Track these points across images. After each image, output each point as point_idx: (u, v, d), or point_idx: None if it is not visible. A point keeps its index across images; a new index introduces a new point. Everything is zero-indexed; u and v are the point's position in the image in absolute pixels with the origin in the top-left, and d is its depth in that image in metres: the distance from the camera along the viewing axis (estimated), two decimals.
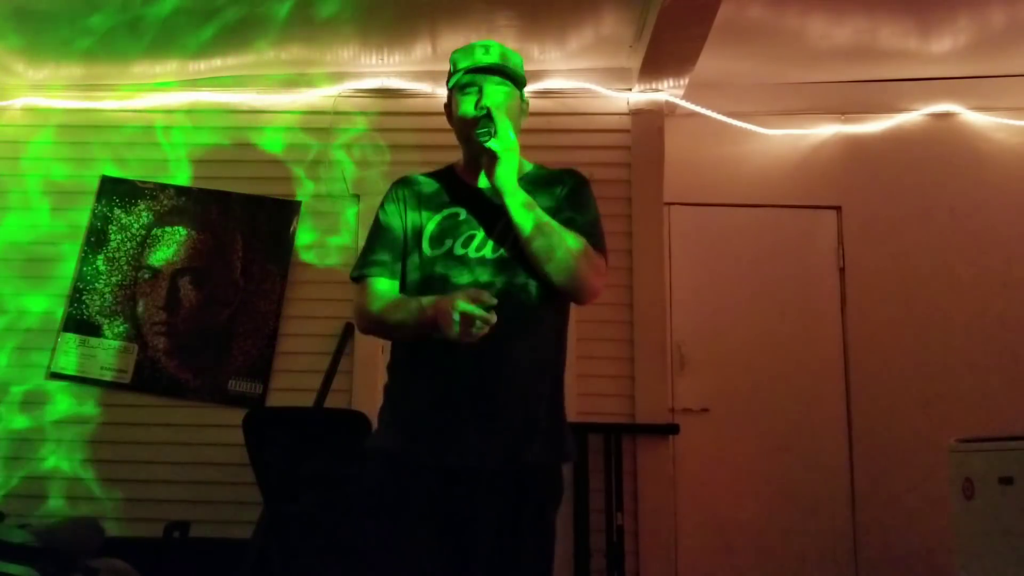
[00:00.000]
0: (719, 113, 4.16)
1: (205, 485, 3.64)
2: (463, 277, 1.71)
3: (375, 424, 1.84)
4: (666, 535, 3.63)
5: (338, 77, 4.00)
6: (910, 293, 4.12)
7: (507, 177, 1.70)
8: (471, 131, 1.75)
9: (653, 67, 3.64)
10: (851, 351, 4.09)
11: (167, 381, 3.76)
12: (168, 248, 3.87)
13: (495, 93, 1.78)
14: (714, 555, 3.92)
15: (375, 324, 1.77)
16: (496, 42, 1.83)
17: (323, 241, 3.88)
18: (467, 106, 1.78)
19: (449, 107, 1.87)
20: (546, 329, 1.76)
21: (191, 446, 3.68)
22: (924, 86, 4.17)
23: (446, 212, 1.79)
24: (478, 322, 1.53)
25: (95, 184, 3.94)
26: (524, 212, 1.69)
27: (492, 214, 1.75)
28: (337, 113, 3.98)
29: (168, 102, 4.04)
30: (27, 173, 4.00)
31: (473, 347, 1.57)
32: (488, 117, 1.72)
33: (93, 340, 3.79)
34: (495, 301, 1.54)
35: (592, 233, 1.77)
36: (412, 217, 1.80)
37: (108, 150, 3.99)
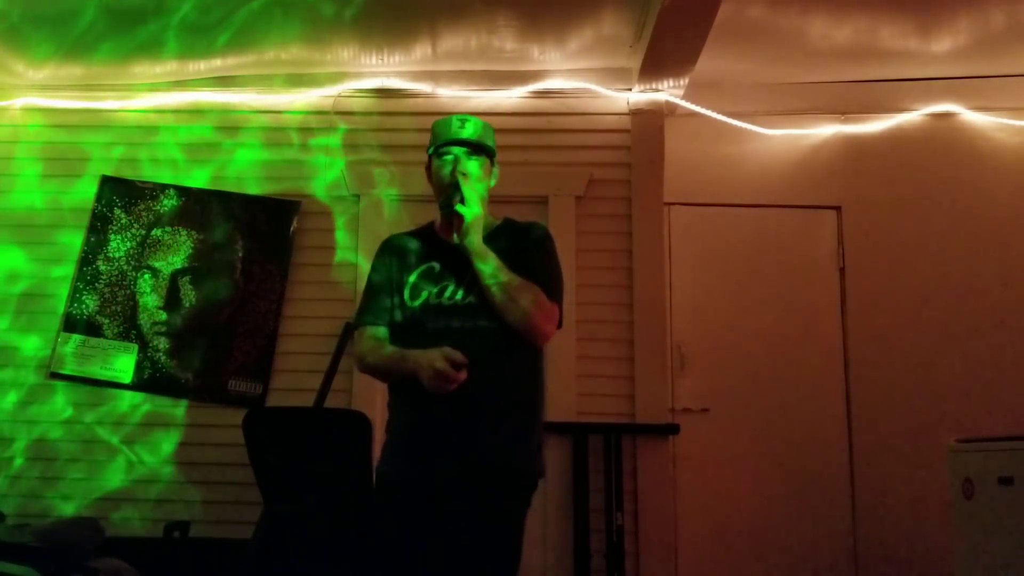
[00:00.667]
0: (719, 113, 4.16)
1: (205, 485, 3.64)
2: (437, 322, 2.01)
3: (375, 424, 2.00)
4: (666, 535, 3.62)
5: (338, 77, 4.00)
6: (910, 293, 4.12)
7: (473, 237, 2.02)
8: (443, 197, 2.07)
9: (653, 67, 3.64)
10: (851, 351, 4.09)
11: (167, 381, 3.76)
12: (168, 248, 3.87)
13: (467, 163, 2.09)
14: (714, 555, 3.93)
15: (369, 369, 2.10)
16: (472, 117, 2.15)
17: (323, 241, 3.88)
18: (443, 173, 2.10)
19: (429, 170, 2.17)
20: (511, 365, 2.02)
21: (191, 446, 3.69)
22: (924, 86, 4.17)
23: (424, 267, 2.11)
24: (450, 381, 1.84)
25: (95, 184, 3.94)
26: (486, 268, 1.99)
27: (462, 266, 2.04)
28: (337, 113, 3.98)
29: (168, 102, 4.04)
30: (27, 173, 3.99)
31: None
32: (455, 186, 2.03)
33: (93, 340, 3.79)
34: (467, 361, 1.84)
35: (548, 284, 2.05)
36: (396, 273, 2.12)
37: (108, 150, 3.99)
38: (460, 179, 2.04)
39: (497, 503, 1.95)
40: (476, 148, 2.12)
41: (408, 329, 2.05)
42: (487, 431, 1.95)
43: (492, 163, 2.18)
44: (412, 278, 2.10)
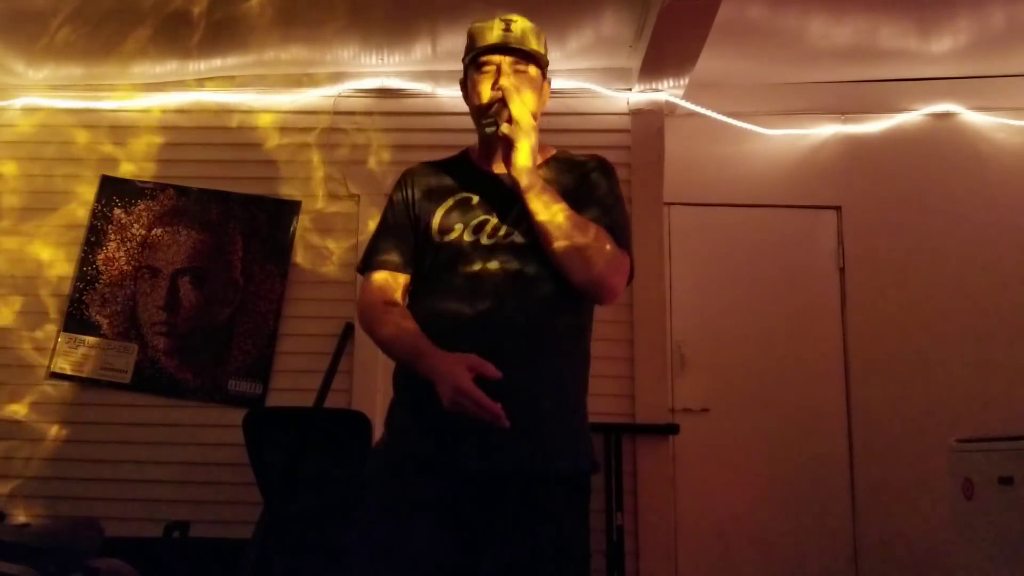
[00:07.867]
0: (719, 113, 4.16)
1: (205, 485, 3.64)
2: (471, 264, 1.60)
3: (377, 425, 1.79)
4: (666, 535, 3.62)
5: (338, 77, 4.00)
6: (910, 293, 4.12)
7: (523, 165, 1.59)
8: (483, 116, 1.66)
9: (653, 67, 3.64)
10: (851, 351, 4.09)
11: (167, 381, 3.76)
12: (168, 248, 3.87)
13: (514, 75, 1.68)
14: (714, 555, 3.93)
15: (375, 339, 1.66)
16: (520, 17, 1.73)
17: (323, 241, 3.88)
18: (483, 88, 1.67)
19: (465, 85, 1.76)
20: (563, 324, 1.63)
21: (191, 446, 3.68)
22: (924, 86, 4.17)
23: (457, 197, 1.69)
24: (477, 409, 1.42)
25: (95, 184, 3.94)
26: (543, 205, 1.57)
27: (507, 200, 1.64)
28: (337, 113, 3.98)
29: (168, 102, 4.04)
30: (27, 173, 3.99)
31: (491, 345, 1.50)
32: (502, 102, 1.62)
33: (93, 340, 3.79)
34: (500, 375, 1.45)
35: (617, 229, 1.65)
36: (421, 206, 1.70)
37: (108, 150, 4.00)
38: (509, 94, 1.62)
39: (557, 512, 1.61)
40: (525, 56, 1.70)
41: (437, 275, 1.63)
42: (537, 410, 1.58)
43: (544, 75, 1.75)
44: (441, 211, 1.67)
